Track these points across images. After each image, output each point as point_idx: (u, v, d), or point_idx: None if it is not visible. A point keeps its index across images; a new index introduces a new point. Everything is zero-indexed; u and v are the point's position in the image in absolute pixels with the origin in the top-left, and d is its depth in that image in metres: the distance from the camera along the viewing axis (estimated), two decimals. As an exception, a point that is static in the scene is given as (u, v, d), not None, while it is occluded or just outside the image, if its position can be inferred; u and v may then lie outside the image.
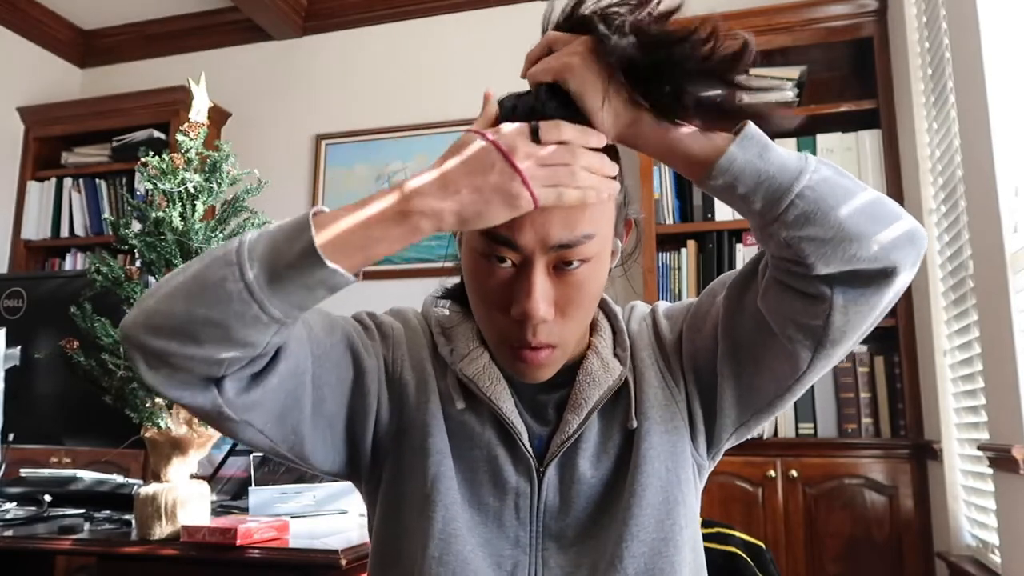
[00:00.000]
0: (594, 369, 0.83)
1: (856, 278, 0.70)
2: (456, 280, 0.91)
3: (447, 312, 0.90)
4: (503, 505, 0.80)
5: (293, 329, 0.72)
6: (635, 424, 0.82)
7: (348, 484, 1.67)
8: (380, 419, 0.83)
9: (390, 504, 0.83)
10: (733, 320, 0.80)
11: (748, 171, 0.69)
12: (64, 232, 3.75)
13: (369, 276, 3.53)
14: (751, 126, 0.71)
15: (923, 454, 2.45)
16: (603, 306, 0.90)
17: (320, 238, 0.65)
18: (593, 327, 0.87)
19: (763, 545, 1.24)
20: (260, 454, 1.68)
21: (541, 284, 0.73)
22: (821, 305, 0.71)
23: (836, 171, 0.71)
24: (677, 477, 0.81)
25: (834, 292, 0.70)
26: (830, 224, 0.68)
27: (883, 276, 0.70)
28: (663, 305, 0.91)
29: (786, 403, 0.82)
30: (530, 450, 0.81)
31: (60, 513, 1.55)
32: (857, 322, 0.72)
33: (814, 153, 2.82)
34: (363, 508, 1.61)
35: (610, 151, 0.76)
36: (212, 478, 1.73)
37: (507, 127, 0.70)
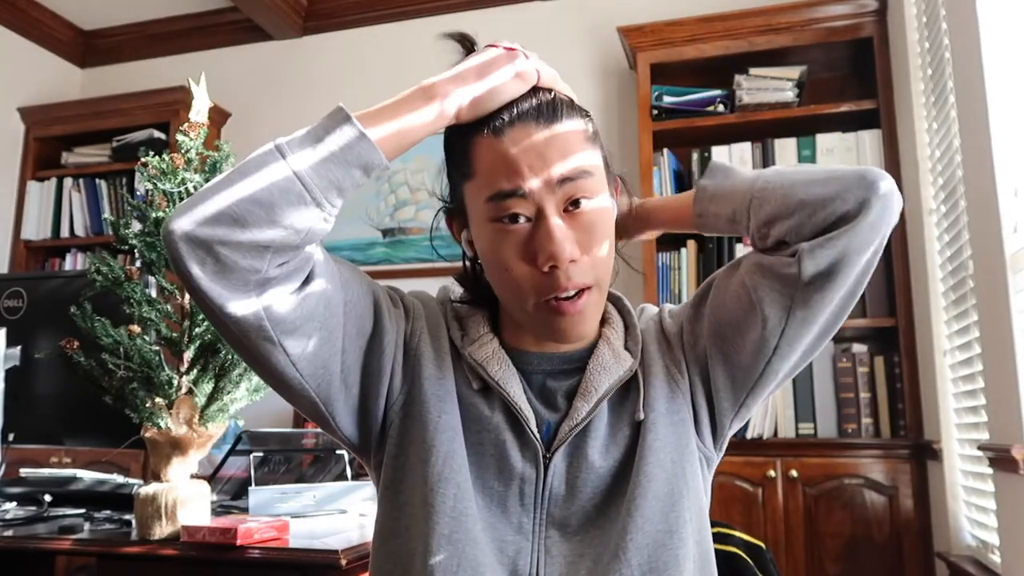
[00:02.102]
0: (605, 359, 0.84)
1: (824, 227, 0.77)
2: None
3: (458, 304, 0.92)
4: (508, 490, 0.81)
5: (325, 265, 0.77)
6: (642, 416, 0.83)
7: (348, 484, 1.68)
8: (393, 386, 0.83)
9: (395, 475, 0.83)
10: (718, 302, 0.84)
11: (721, 192, 0.83)
12: (64, 232, 3.75)
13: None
14: (715, 160, 0.88)
15: (923, 454, 2.46)
16: (616, 302, 0.92)
17: (356, 115, 0.74)
18: (605, 319, 0.89)
19: (763, 545, 1.24)
20: (260, 454, 1.68)
21: (559, 225, 0.77)
22: (791, 257, 0.77)
23: (788, 167, 0.82)
24: (683, 469, 0.82)
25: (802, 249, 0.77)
26: (789, 201, 0.77)
27: (848, 219, 0.76)
28: (668, 306, 0.94)
29: (776, 373, 0.82)
30: (537, 436, 0.82)
31: (60, 513, 1.55)
32: (829, 264, 0.76)
33: (813, 153, 2.83)
34: (363, 508, 1.62)
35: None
36: (212, 478, 1.72)
37: None
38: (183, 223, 0.69)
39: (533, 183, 0.76)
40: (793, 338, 0.79)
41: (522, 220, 0.78)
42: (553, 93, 0.82)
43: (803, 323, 0.78)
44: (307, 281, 0.75)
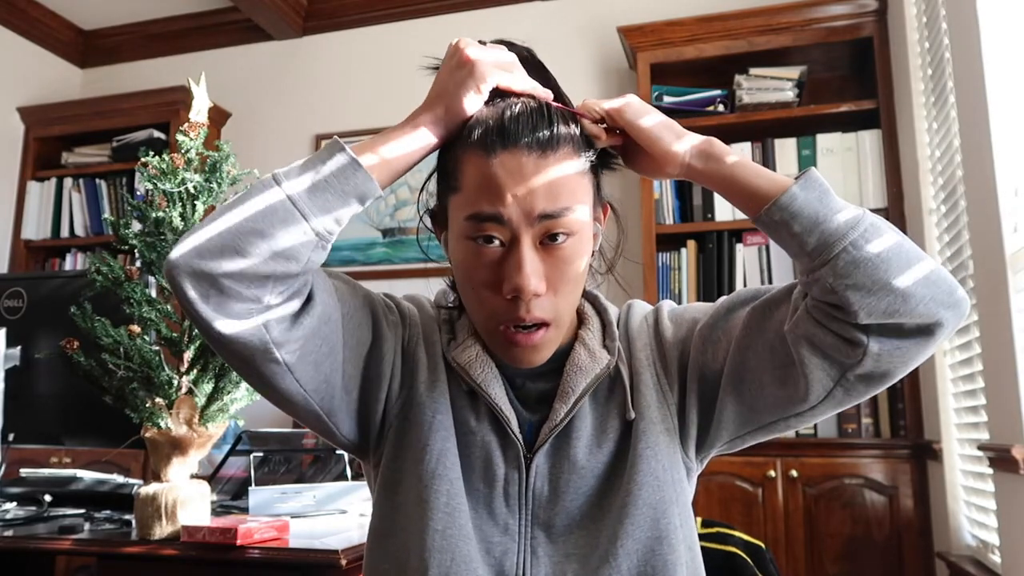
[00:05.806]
0: (581, 359, 0.85)
1: (896, 330, 0.73)
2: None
3: (450, 307, 0.93)
4: (493, 491, 0.82)
5: (322, 280, 0.78)
6: (633, 415, 0.83)
7: (348, 484, 1.68)
8: (391, 390, 0.85)
9: (392, 476, 0.84)
10: (749, 341, 0.82)
11: (807, 211, 0.73)
12: (64, 232, 3.75)
13: (370, 276, 3.49)
14: (814, 171, 0.76)
15: (923, 454, 2.46)
16: (592, 300, 0.92)
17: (352, 149, 0.75)
18: (581, 319, 0.89)
19: (763, 545, 1.24)
20: (260, 454, 1.68)
21: (531, 258, 0.76)
22: (856, 349, 0.74)
23: (888, 226, 0.74)
24: (671, 477, 0.82)
25: (870, 340, 0.73)
26: (878, 276, 0.71)
27: (922, 332, 0.73)
28: (669, 306, 0.92)
29: (789, 427, 0.84)
30: (519, 436, 0.82)
31: (60, 513, 1.55)
32: (888, 369, 0.75)
33: (814, 153, 2.83)
34: (363, 508, 1.62)
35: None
36: (212, 478, 1.72)
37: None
38: (186, 257, 0.70)
39: (513, 211, 0.75)
40: (820, 412, 0.81)
41: (496, 243, 0.77)
42: (554, 128, 0.77)
43: (838, 404, 0.79)
44: (308, 301, 0.76)
